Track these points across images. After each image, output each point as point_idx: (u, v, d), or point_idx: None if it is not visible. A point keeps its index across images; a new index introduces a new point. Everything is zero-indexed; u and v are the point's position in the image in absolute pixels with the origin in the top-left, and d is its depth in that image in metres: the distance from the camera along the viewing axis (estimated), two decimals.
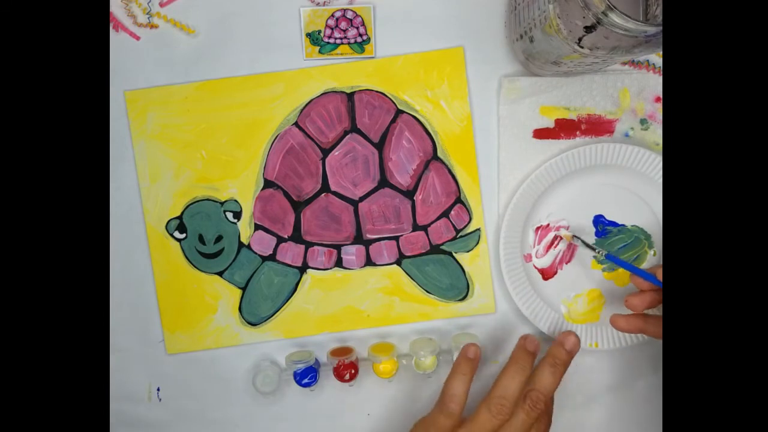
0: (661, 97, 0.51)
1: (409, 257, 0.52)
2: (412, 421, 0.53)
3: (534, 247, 0.52)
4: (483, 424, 0.45)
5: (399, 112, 0.51)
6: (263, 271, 0.52)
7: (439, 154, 0.51)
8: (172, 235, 0.52)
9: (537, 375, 0.46)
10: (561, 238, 0.51)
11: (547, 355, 0.47)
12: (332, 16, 0.50)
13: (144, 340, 0.52)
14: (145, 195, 0.52)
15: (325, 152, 0.51)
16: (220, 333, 0.52)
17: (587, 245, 0.50)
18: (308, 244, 0.52)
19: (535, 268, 0.52)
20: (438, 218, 0.52)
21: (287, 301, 0.52)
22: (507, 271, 0.51)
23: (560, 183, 0.51)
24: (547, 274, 0.52)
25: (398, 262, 0.52)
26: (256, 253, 0.52)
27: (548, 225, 0.51)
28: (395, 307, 0.52)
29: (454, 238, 0.52)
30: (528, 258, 0.52)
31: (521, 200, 0.50)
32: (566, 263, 0.52)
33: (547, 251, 0.52)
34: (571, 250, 0.52)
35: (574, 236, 0.51)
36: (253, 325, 0.52)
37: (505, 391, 0.45)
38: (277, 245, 0.52)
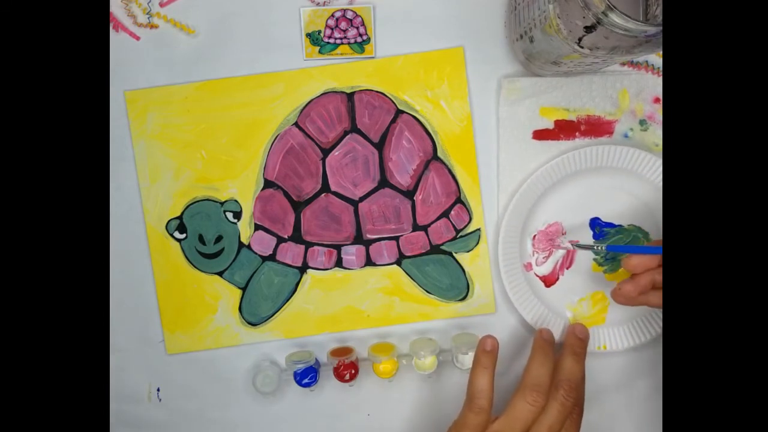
0: (660, 98, 0.51)
1: (409, 257, 0.52)
2: (412, 421, 0.53)
3: (533, 255, 0.52)
4: (520, 414, 0.44)
5: (399, 112, 0.51)
6: (263, 271, 0.52)
7: (439, 154, 0.51)
8: (172, 235, 0.52)
9: (562, 365, 0.47)
10: (557, 249, 0.51)
11: (564, 347, 0.49)
12: (332, 16, 0.50)
13: (144, 340, 0.52)
14: (145, 195, 0.52)
15: (325, 152, 0.51)
16: (220, 333, 0.52)
17: (585, 247, 0.50)
18: (308, 244, 0.52)
19: (537, 276, 0.52)
20: (438, 218, 0.52)
21: (287, 301, 0.52)
22: (508, 281, 0.51)
23: (555, 188, 0.51)
24: (548, 281, 0.52)
25: (398, 262, 0.52)
26: (256, 253, 0.52)
27: (545, 232, 0.51)
28: (395, 307, 0.52)
29: (454, 238, 0.52)
30: (528, 267, 0.52)
31: (518, 207, 0.50)
32: (567, 269, 0.52)
33: (547, 258, 0.52)
34: (570, 255, 0.52)
35: (571, 242, 0.51)
36: (253, 325, 0.52)
37: (537, 379, 0.45)
38: (277, 245, 0.52)
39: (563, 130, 0.51)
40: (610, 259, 0.52)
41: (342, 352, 0.51)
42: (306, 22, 0.50)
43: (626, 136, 0.51)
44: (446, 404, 0.53)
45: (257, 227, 0.52)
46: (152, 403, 0.53)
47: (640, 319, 0.51)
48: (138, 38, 0.51)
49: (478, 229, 0.52)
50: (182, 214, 0.52)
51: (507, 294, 0.51)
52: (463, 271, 0.52)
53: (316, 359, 0.51)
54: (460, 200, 0.52)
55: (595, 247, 0.50)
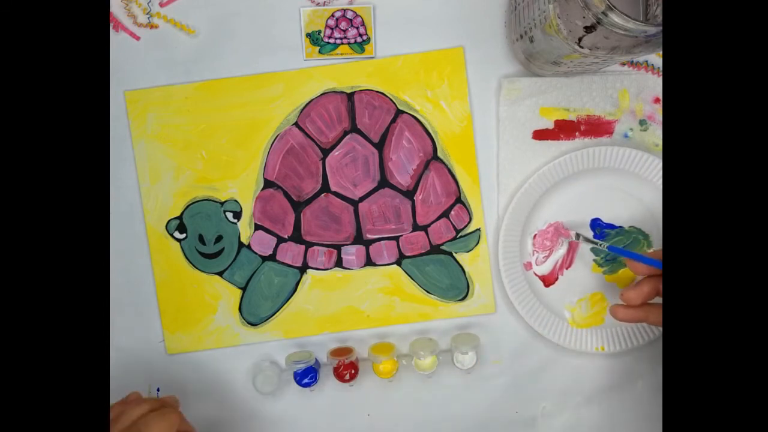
0: (660, 98, 0.51)
1: (409, 257, 0.52)
2: (412, 421, 0.53)
3: (533, 254, 0.52)
4: None
5: (399, 112, 0.51)
6: (263, 271, 0.52)
7: (439, 154, 0.51)
8: (172, 235, 0.52)
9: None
10: (561, 240, 0.51)
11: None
12: (332, 16, 0.50)
13: (144, 340, 0.52)
14: (145, 195, 0.52)
15: (325, 152, 0.51)
16: (220, 333, 0.52)
17: (589, 240, 0.50)
18: (308, 244, 0.52)
19: (536, 275, 0.52)
20: (438, 218, 0.52)
21: (287, 301, 0.52)
22: (508, 280, 0.51)
23: (556, 188, 0.51)
24: (548, 280, 0.52)
25: (398, 262, 0.52)
26: (256, 253, 0.52)
27: (545, 230, 0.51)
28: (395, 307, 0.52)
29: (454, 238, 0.52)
30: (528, 266, 0.52)
31: (518, 207, 0.50)
32: (566, 269, 0.52)
33: (547, 258, 0.52)
34: (570, 255, 0.52)
35: (577, 234, 0.51)
36: (253, 325, 0.52)
37: None
38: (277, 245, 0.52)
39: (563, 130, 0.51)
40: (610, 261, 0.52)
41: (342, 352, 0.51)
42: (306, 22, 0.50)
43: (626, 136, 0.51)
44: (446, 404, 0.53)
45: (257, 227, 0.52)
46: None
47: None
48: (138, 38, 0.51)
49: (478, 229, 0.52)
50: (182, 214, 0.52)
51: (507, 294, 0.51)
52: (463, 271, 0.52)
53: (316, 359, 0.51)
54: (460, 200, 0.52)
55: (599, 244, 0.50)
